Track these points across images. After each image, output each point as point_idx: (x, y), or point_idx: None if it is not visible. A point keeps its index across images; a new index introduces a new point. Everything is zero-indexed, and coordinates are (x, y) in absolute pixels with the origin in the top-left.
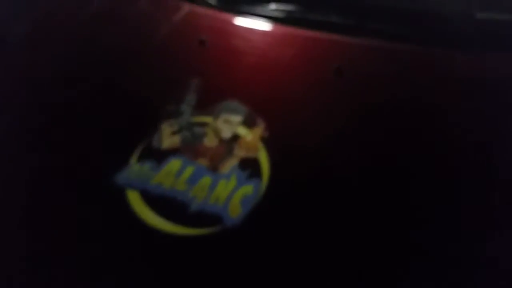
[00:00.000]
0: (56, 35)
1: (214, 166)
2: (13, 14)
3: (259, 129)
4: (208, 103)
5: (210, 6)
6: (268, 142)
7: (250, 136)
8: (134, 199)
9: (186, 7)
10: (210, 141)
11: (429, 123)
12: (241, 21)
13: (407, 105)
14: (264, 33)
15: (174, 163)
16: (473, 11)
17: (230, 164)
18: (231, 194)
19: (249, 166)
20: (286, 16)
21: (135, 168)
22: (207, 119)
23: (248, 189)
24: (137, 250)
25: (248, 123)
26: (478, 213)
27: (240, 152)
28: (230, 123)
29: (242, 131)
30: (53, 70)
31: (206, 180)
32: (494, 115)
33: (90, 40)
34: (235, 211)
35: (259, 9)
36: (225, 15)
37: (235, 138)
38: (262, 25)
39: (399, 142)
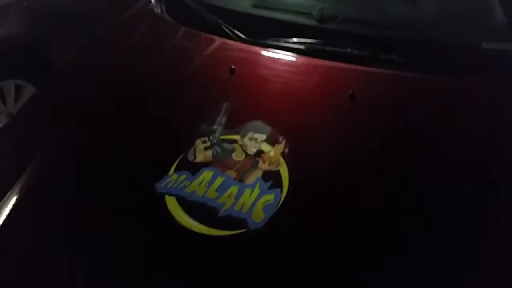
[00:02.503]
0: (106, 63)
1: (241, 177)
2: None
3: (281, 146)
4: (236, 123)
5: (240, 39)
6: (288, 157)
7: (273, 152)
8: (172, 204)
9: (219, 41)
10: (237, 156)
11: (433, 142)
12: (266, 53)
13: (414, 126)
14: (286, 63)
15: (206, 174)
16: (479, 42)
17: (254, 176)
18: (255, 202)
19: (271, 178)
20: (306, 48)
21: (173, 177)
22: (236, 137)
23: (270, 197)
24: (173, 248)
25: (271, 140)
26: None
27: (263, 166)
28: (255, 140)
29: (265, 147)
30: (105, 93)
31: (234, 189)
32: (498, 135)
33: (139, 69)
34: (259, 216)
35: (283, 43)
36: (252, 47)
37: (260, 153)
38: (285, 56)
39: (404, 157)
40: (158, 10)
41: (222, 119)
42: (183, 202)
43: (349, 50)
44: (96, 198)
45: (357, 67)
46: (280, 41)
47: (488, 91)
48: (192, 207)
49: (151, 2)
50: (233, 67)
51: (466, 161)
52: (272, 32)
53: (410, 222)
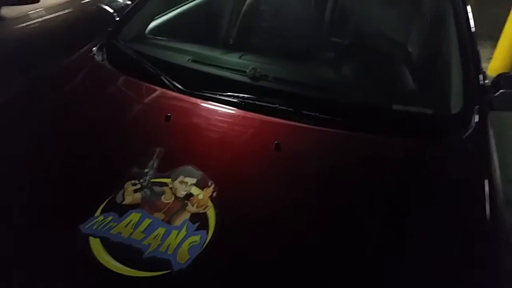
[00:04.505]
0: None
1: (169, 219)
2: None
3: (210, 190)
4: (168, 167)
5: (177, 90)
6: (216, 200)
7: (202, 195)
8: (96, 246)
9: (157, 90)
10: (167, 198)
11: (347, 187)
12: (201, 104)
13: (330, 174)
14: (219, 114)
15: (133, 216)
16: (390, 104)
17: (182, 218)
18: (180, 243)
19: (199, 220)
20: (239, 102)
21: (99, 219)
22: (166, 180)
23: (196, 238)
24: None
25: (201, 184)
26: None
27: (191, 208)
28: (185, 184)
29: (195, 190)
30: (40, 133)
31: (161, 230)
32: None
33: (76, 112)
34: (183, 257)
35: (217, 95)
36: (189, 98)
37: (189, 196)
38: (219, 107)
39: (321, 201)
40: (99, 57)
41: (154, 162)
42: (107, 243)
43: (277, 105)
44: (22, 237)
45: (283, 121)
46: (215, 94)
47: (393, 148)
48: (116, 248)
49: (92, 49)
50: (169, 114)
51: (372, 205)
52: (208, 85)
53: (332, 261)
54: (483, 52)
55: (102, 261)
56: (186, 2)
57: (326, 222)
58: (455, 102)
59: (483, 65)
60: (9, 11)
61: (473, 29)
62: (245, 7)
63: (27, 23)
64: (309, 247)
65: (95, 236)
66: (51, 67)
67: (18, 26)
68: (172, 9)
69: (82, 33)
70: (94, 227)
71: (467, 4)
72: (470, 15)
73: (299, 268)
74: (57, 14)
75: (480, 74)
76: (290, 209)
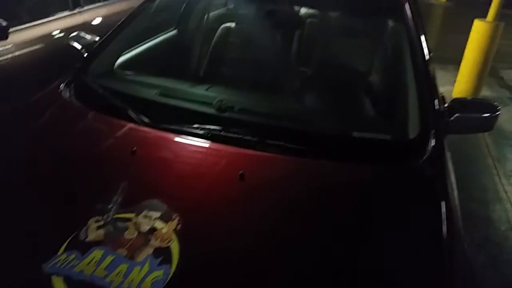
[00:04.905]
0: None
1: (132, 255)
2: None
3: (174, 223)
4: (133, 202)
5: (144, 123)
6: (180, 233)
7: (166, 228)
8: (58, 285)
9: (124, 124)
10: (130, 234)
11: (309, 215)
12: (168, 136)
13: (293, 202)
14: (185, 146)
15: (96, 253)
16: (351, 131)
17: (145, 253)
18: (143, 279)
19: (162, 254)
20: (205, 134)
21: (62, 257)
22: (130, 215)
23: (159, 273)
24: None
25: (165, 218)
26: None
27: (155, 242)
28: (149, 218)
29: (159, 224)
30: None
31: (123, 267)
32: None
33: (40, 149)
34: None
35: (184, 127)
36: (155, 131)
37: (153, 230)
38: (185, 139)
39: (286, 229)
40: (66, 94)
41: (118, 198)
42: (70, 282)
43: (241, 136)
44: None
45: (248, 151)
46: (182, 126)
47: (353, 175)
48: (79, 286)
49: (60, 86)
50: (134, 149)
51: (333, 230)
52: (175, 118)
53: None
54: (446, 75)
55: None
56: (154, 37)
57: (291, 251)
58: (412, 127)
59: (449, 88)
60: None
61: (427, 57)
62: (214, 39)
63: None
64: (275, 276)
65: (58, 275)
66: (17, 104)
67: None
68: (141, 44)
69: (53, 69)
70: (57, 265)
71: (422, 34)
72: (424, 44)
73: None
74: (27, 49)
75: (436, 99)
76: (255, 239)
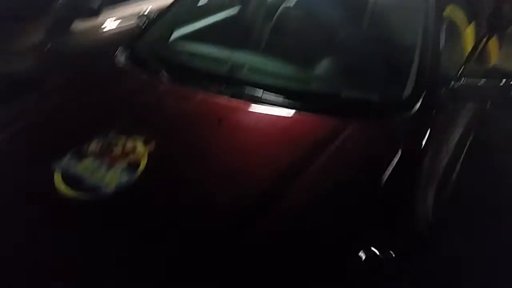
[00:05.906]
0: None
1: (112, 164)
2: None
3: (152, 145)
4: (128, 130)
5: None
6: (152, 152)
7: (143, 148)
8: (57, 176)
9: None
10: (117, 150)
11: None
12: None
13: (261, 145)
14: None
15: (90, 160)
16: (340, 91)
17: (122, 163)
18: (114, 177)
19: (133, 165)
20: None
21: (65, 159)
22: (122, 137)
23: (126, 177)
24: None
25: (146, 142)
26: None
27: (132, 156)
28: (134, 140)
29: (139, 145)
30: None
31: (102, 169)
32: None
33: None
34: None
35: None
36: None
37: (134, 149)
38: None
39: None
40: (121, 58)
41: (120, 125)
42: (64, 176)
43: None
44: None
45: (229, 100)
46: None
47: (332, 127)
48: (69, 178)
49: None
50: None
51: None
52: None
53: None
54: None
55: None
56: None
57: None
58: (407, 87)
59: None
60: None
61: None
62: (276, 15)
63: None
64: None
65: (58, 171)
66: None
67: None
68: (197, 18)
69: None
70: (61, 164)
71: None
72: None
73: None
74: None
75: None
76: (217, 169)
